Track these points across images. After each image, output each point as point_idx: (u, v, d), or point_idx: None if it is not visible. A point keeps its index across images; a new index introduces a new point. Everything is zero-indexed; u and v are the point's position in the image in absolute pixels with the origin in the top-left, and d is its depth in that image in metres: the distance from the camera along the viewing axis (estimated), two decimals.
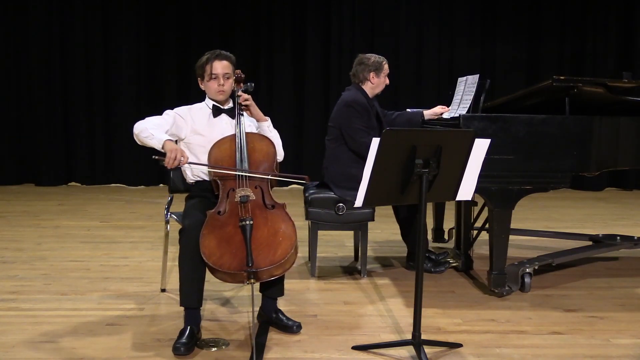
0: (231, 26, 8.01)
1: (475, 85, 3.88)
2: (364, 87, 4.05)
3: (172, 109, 3.13)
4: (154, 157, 2.83)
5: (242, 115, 3.05)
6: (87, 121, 8.06)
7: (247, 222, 2.72)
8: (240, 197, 2.82)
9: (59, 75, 7.97)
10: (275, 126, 3.20)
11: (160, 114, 3.06)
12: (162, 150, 2.81)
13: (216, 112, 3.13)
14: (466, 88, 4.02)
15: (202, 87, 3.16)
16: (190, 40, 8.00)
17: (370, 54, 4.10)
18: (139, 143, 2.94)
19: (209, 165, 2.97)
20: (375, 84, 4.05)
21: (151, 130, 2.86)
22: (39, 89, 7.96)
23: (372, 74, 4.02)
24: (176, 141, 3.09)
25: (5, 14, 7.88)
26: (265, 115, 3.17)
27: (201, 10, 7.98)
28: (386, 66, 4.07)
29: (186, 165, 2.92)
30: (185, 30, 8.01)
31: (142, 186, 8.05)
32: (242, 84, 3.10)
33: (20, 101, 8.00)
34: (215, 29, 8.00)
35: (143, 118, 2.96)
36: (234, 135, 2.99)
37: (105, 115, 8.06)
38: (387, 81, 4.11)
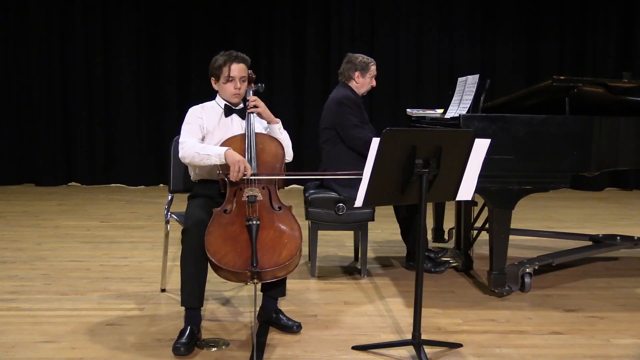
0: (231, 26, 8.00)
1: (475, 85, 3.88)
2: (349, 85, 4.04)
3: (186, 110, 3.10)
4: (218, 173, 2.85)
5: (253, 115, 3.03)
6: (87, 121, 8.05)
7: (254, 222, 2.71)
8: (247, 196, 2.81)
9: (59, 76, 7.96)
10: None
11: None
12: (225, 163, 2.82)
13: (228, 111, 3.11)
14: (466, 88, 4.02)
15: (215, 87, 3.13)
16: (190, 40, 7.99)
17: (359, 54, 4.10)
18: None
19: (273, 174, 2.91)
20: (359, 84, 4.04)
21: (205, 152, 2.86)
22: (39, 89, 7.96)
23: (357, 74, 4.02)
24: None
25: (5, 14, 7.88)
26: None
27: (201, 11, 7.98)
28: (373, 68, 4.06)
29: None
30: (185, 31, 7.99)
31: (142, 186, 8.03)
32: (252, 85, 3.10)
33: (20, 101, 8.01)
34: (215, 29, 7.99)
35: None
36: (244, 134, 2.97)
37: (105, 115, 8.04)
38: (374, 83, 4.10)
